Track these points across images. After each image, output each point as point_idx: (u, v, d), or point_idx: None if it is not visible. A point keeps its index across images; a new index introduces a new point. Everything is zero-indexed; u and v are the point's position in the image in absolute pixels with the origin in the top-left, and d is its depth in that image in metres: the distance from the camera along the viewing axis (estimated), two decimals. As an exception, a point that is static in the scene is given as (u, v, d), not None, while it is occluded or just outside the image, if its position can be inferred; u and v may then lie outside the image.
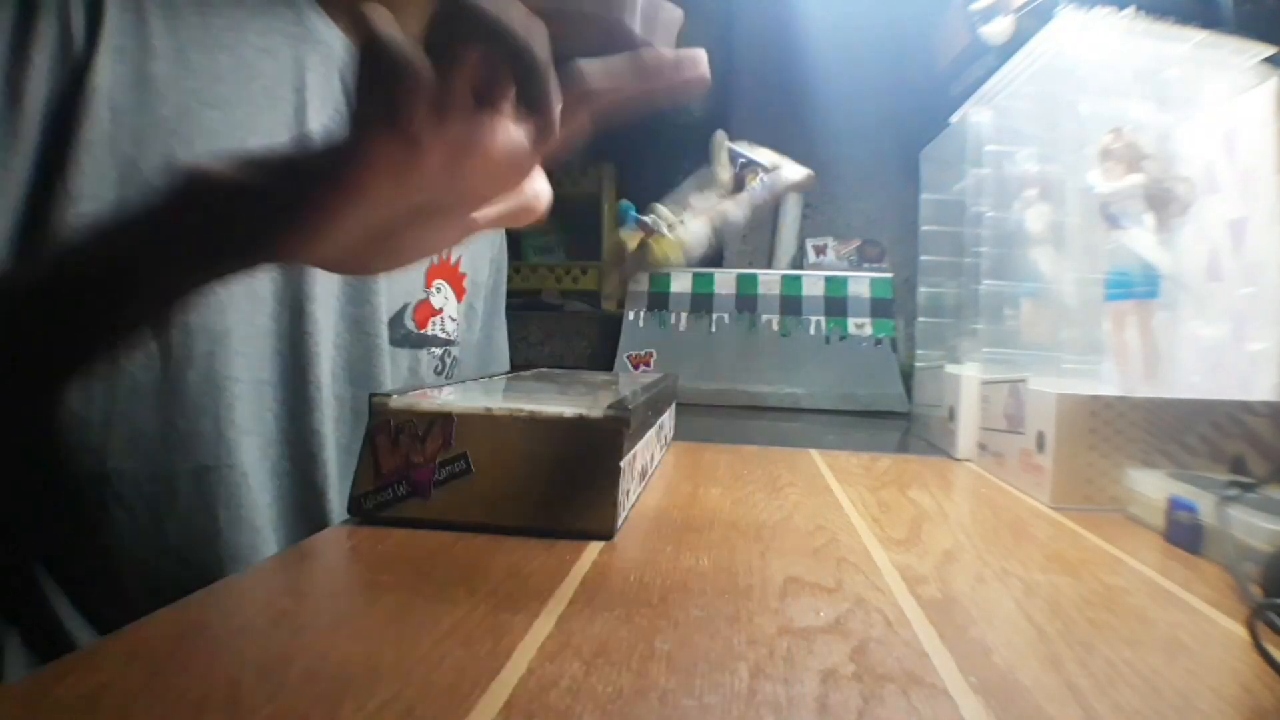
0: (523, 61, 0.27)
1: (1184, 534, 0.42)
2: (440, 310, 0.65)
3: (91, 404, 0.46)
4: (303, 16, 0.54)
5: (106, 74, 0.45)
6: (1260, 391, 0.50)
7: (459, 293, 0.67)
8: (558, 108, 0.28)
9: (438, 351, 0.66)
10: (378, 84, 0.27)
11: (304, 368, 0.52)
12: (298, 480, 0.54)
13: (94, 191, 0.45)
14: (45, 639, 0.47)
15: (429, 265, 0.63)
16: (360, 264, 0.36)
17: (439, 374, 0.67)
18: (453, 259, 0.67)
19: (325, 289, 0.53)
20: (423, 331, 0.63)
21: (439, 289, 0.65)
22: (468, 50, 0.28)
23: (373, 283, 0.56)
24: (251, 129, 0.50)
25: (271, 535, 0.52)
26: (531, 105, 0.28)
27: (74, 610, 0.48)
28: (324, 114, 0.54)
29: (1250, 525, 0.37)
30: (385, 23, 0.27)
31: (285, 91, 0.52)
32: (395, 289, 0.59)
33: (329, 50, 0.55)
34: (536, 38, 0.27)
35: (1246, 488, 0.42)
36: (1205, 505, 0.41)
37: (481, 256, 0.72)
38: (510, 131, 0.30)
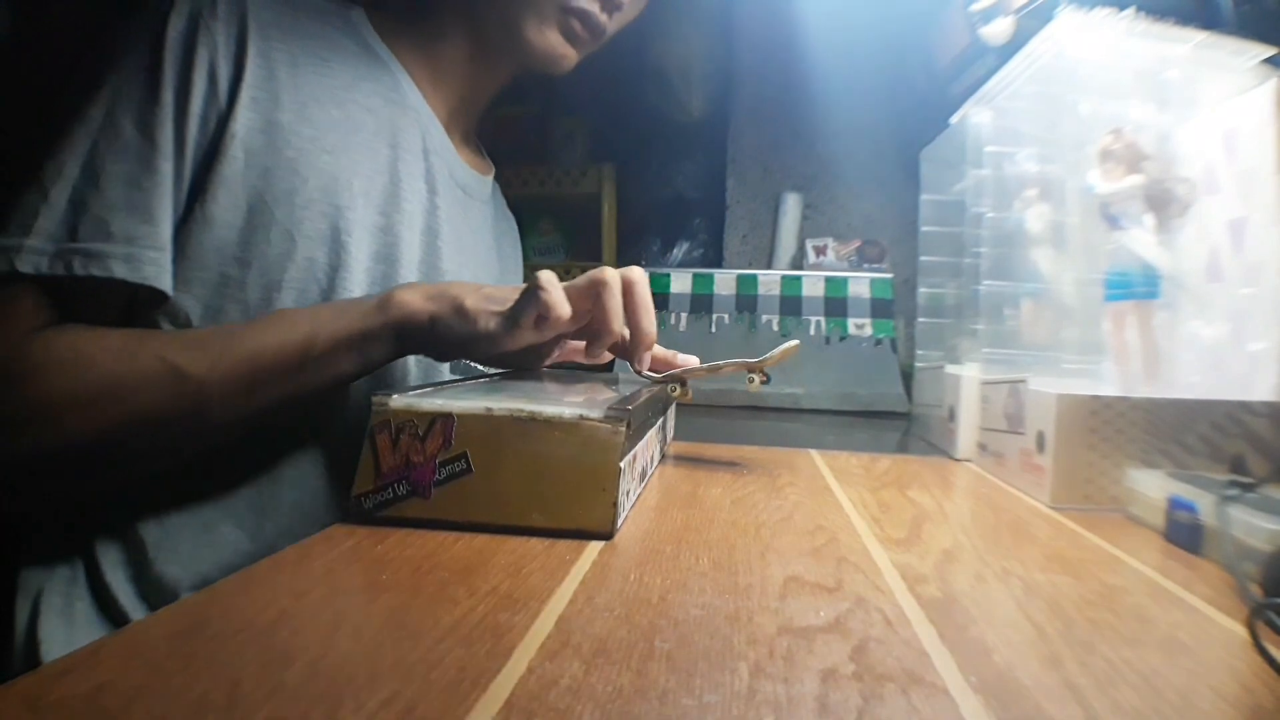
0: (638, 330, 0.55)
1: (1184, 534, 0.42)
2: None
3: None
4: (398, 83, 0.66)
5: (243, 121, 0.55)
6: (1260, 391, 0.50)
7: None
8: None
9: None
10: (535, 311, 0.50)
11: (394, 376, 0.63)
12: None
13: (227, 220, 0.54)
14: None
15: None
16: (490, 363, 0.62)
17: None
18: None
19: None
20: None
21: None
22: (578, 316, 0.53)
23: None
24: (355, 172, 0.60)
25: None
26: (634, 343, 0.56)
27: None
28: (410, 163, 0.65)
29: (1250, 525, 0.37)
30: (554, 293, 0.50)
31: (381, 145, 0.63)
32: None
33: (416, 114, 0.67)
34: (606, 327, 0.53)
35: (1246, 488, 0.42)
36: (1205, 505, 0.41)
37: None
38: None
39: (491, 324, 0.51)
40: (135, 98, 0.52)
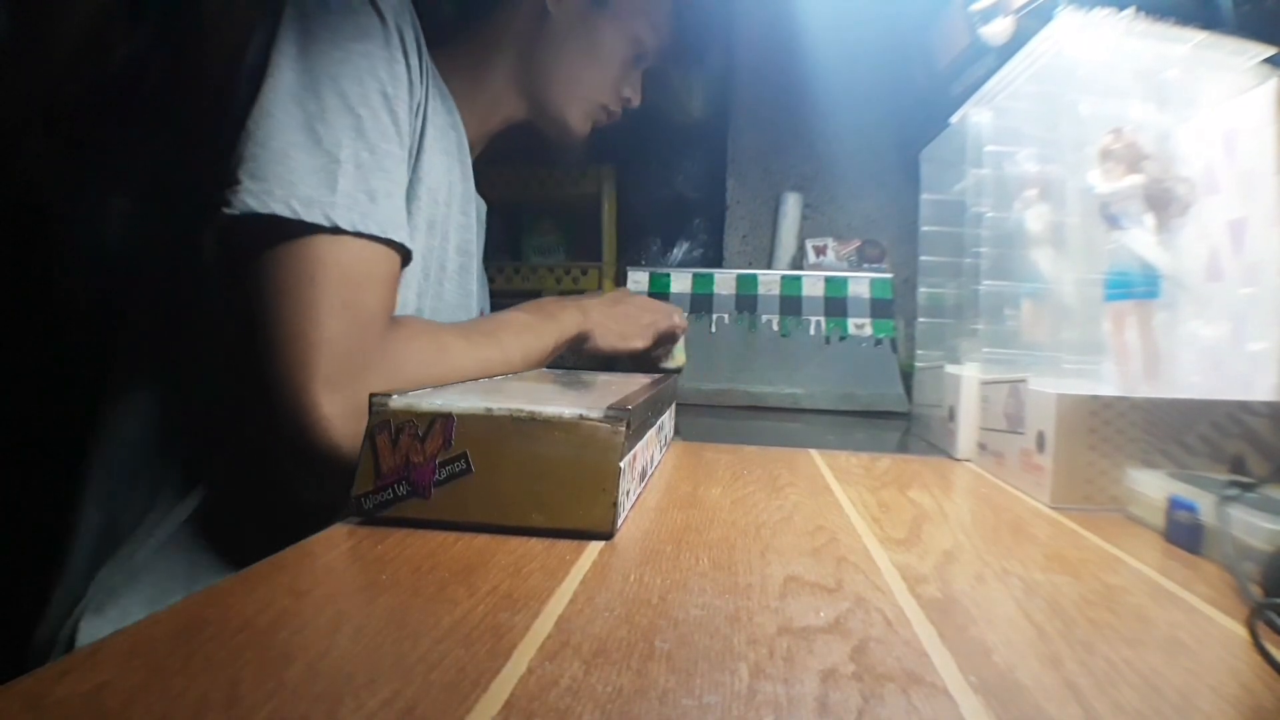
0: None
1: (1184, 534, 0.42)
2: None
3: None
4: (452, 108, 0.75)
5: (416, 122, 0.64)
6: (1260, 391, 0.50)
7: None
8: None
9: None
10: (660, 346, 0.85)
11: None
12: None
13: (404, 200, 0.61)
14: None
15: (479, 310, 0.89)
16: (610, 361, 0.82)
17: None
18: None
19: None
20: None
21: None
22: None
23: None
24: (445, 173, 0.69)
25: None
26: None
27: None
28: (464, 178, 0.75)
29: (1250, 525, 0.37)
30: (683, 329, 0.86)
31: (456, 155, 0.73)
32: (478, 298, 0.82)
33: (463, 136, 0.76)
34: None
35: (1246, 488, 0.42)
36: (1205, 505, 0.41)
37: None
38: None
39: (639, 343, 0.80)
40: (379, 72, 0.57)
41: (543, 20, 0.79)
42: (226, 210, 0.50)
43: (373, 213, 0.54)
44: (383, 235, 0.54)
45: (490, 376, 0.58)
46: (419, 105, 0.63)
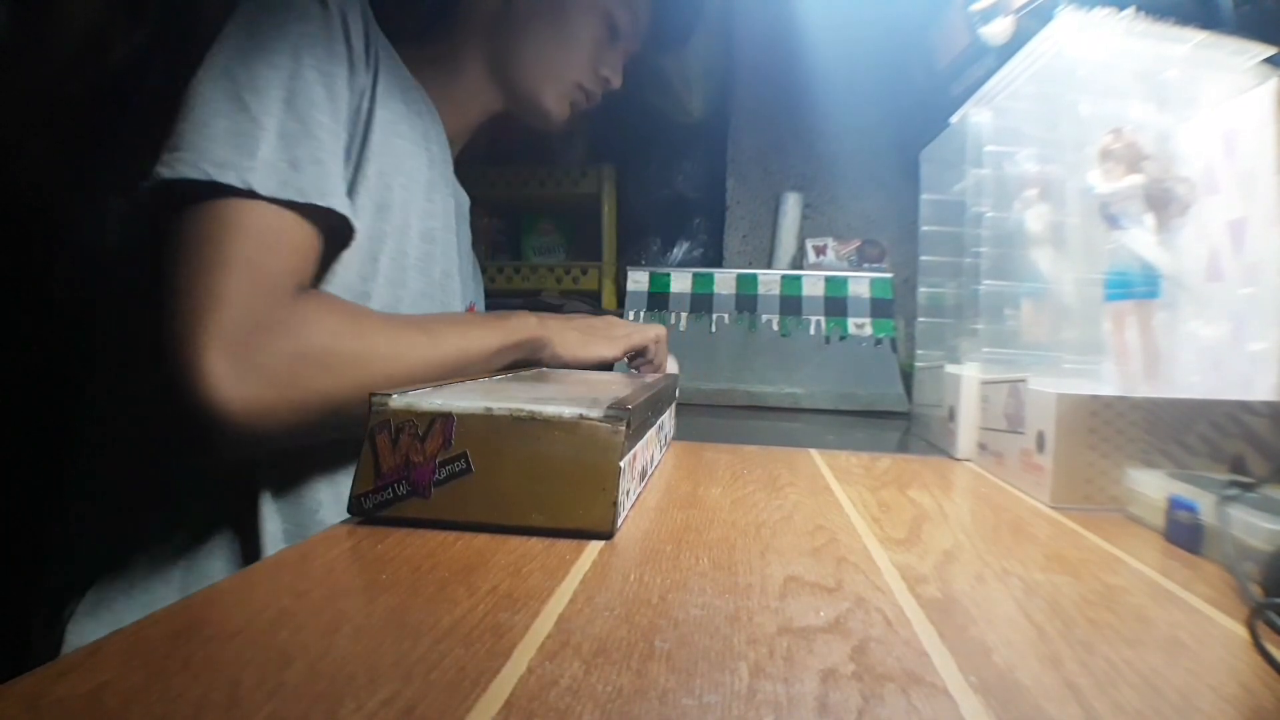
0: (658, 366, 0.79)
1: (1184, 534, 0.42)
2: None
3: None
4: (425, 98, 0.74)
5: (363, 100, 0.63)
6: (1260, 391, 0.50)
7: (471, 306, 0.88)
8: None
9: None
10: (642, 356, 0.78)
11: None
12: None
13: (348, 178, 0.61)
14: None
15: (470, 305, 0.86)
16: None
17: None
18: (475, 309, 0.90)
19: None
20: None
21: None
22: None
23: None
24: (410, 158, 0.68)
25: None
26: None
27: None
28: (439, 165, 0.74)
29: (1250, 525, 0.37)
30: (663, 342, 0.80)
31: (424, 142, 0.72)
32: (462, 292, 0.79)
33: (439, 125, 0.76)
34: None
35: (1246, 487, 0.42)
36: (1205, 505, 0.41)
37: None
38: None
39: (610, 351, 0.74)
40: (318, 51, 0.57)
41: (508, 4, 0.78)
42: (143, 184, 0.49)
43: (294, 179, 0.52)
44: (304, 201, 0.53)
45: (414, 368, 0.56)
46: (366, 89, 0.62)
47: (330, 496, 0.60)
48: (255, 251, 0.50)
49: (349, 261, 0.61)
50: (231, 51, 0.54)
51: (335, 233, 0.58)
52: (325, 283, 0.60)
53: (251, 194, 0.50)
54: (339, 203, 0.56)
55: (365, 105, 0.62)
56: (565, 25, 0.80)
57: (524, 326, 0.67)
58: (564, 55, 0.80)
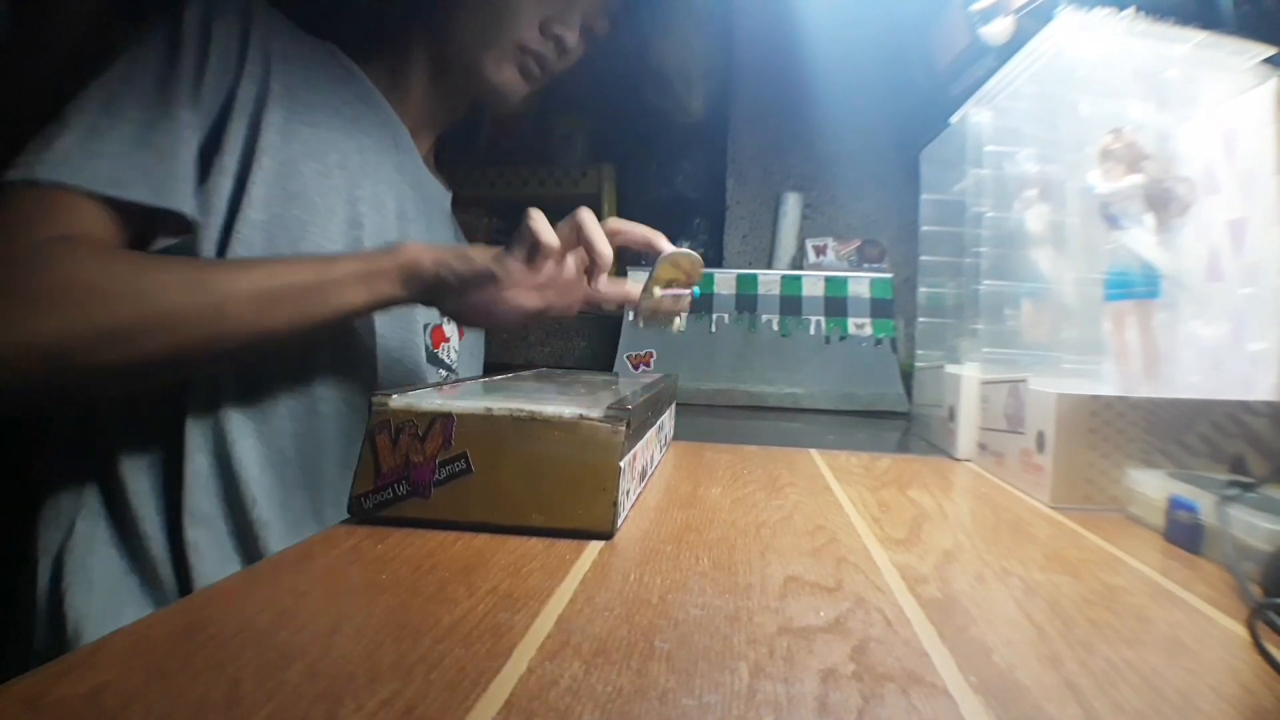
0: (596, 250, 0.58)
1: (1184, 534, 0.42)
2: (449, 338, 0.80)
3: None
4: (370, 91, 0.74)
5: (245, 90, 0.62)
6: (1260, 391, 0.50)
7: (460, 331, 0.82)
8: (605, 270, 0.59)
9: (442, 373, 0.77)
10: (529, 240, 0.58)
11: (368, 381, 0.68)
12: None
13: (231, 168, 0.61)
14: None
15: None
16: (470, 319, 0.67)
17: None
18: None
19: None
20: (435, 351, 0.77)
21: (448, 321, 0.79)
22: (574, 243, 0.59)
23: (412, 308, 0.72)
24: (332, 146, 0.67)
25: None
26: (594, 265, 0.59)
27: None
28: (379, 152, 0.72)
29: (1250, 525, 0.37)
30: (541, 222, 0.58)
31: (355, 131, 0.70)
32: (423, 310, 0.73)
33: (386, 115, 0.74)
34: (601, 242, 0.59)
35: (1246, 487, 0.42)
36: (1205, 505, 0.41)
37: None
38: (575, 277, 0.63)
39: (490, 262, 0.58)
40: (154, 61, 0.58)
41: None
42: None
43: (86, 166, 0.52)
44: (91, 188, 0.52)
45: (181, 307, 0.51)
46: (250, 88, 0.62)
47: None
48: (16, 228, 0.51)
49: (249, 242, 0.60)
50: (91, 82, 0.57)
51: (175, 221, 0.57)
52: None
53: (32, 182, 0.51)
54: (148, 193, 0.54)
55: (247, 102, 0.62)
56: None
57: (409, 248, 0.58)
58: (494, 16, 0.74)
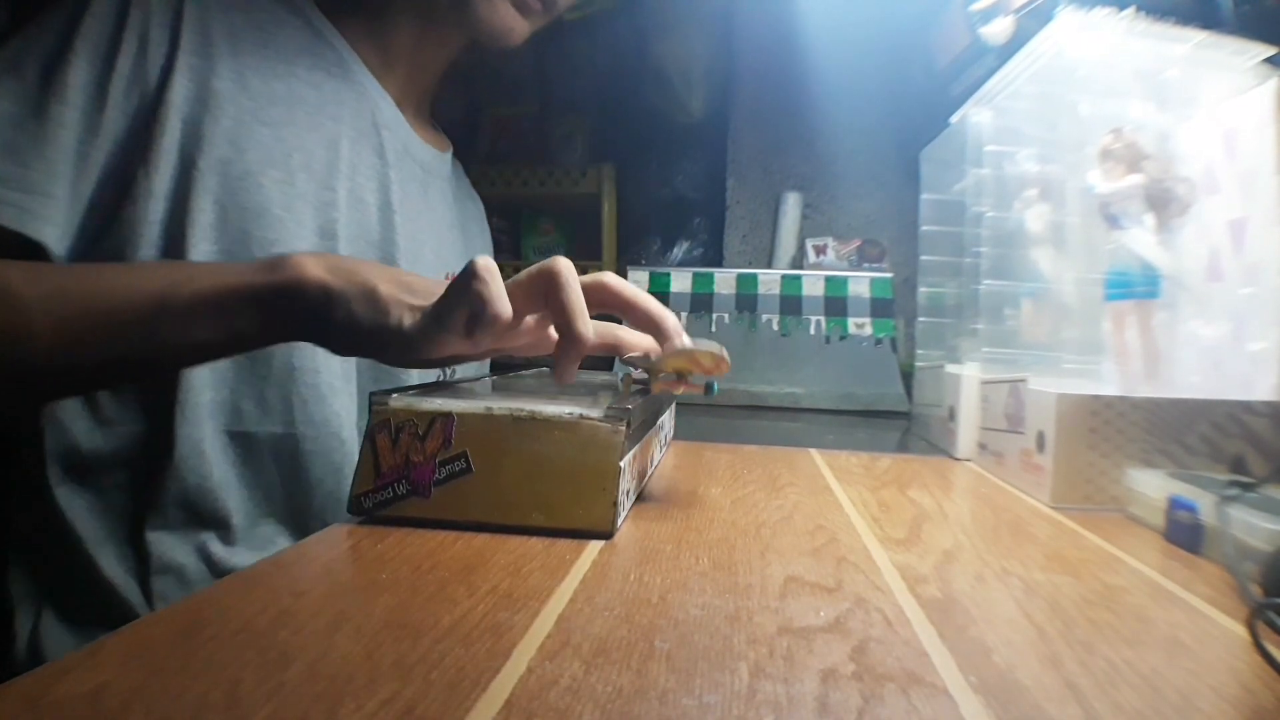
0: (570, 332, 0.41)
1: (1184, 534, 0.42)
2: None
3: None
4: (342, 59, 0.65)
5: (180, 89, 0.53)
6: (1260, 391, 0.50)
7: None
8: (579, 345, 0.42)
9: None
10: (467, 308, 0.40)
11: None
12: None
13: (164, 190, 0.53)
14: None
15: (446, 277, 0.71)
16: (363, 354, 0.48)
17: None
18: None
19: None
20: None
21: None
22: (537, 308, 0.43)
23: None
24: (296, 146, 0.59)
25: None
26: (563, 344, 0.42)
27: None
28: (358, 138, 0.64)
29: (1250, 525, 0.37)
30: (490, 283, 0.40)
31: (324, 119, 0.62)
32: None
33: (363, 89, 0.66)
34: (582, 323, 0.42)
35: (1246, 487, 0.42)
36: (1205, 505, 0.41)
37: None
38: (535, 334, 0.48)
39: (406, 319, 0.42)
40: (45, 46, 0.50)
41: None
42: None
43: None
44: None
45: (58, 322, 0.43)
46: (163, 82, 0.53)
47: None
48: None
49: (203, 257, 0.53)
50: None
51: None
52: None
53: None
54: None
55: (182, 104, 0.53)
56: None
57: (297, 266, 0.43)
58: None
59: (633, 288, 0.46)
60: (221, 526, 0.56)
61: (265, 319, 0.43)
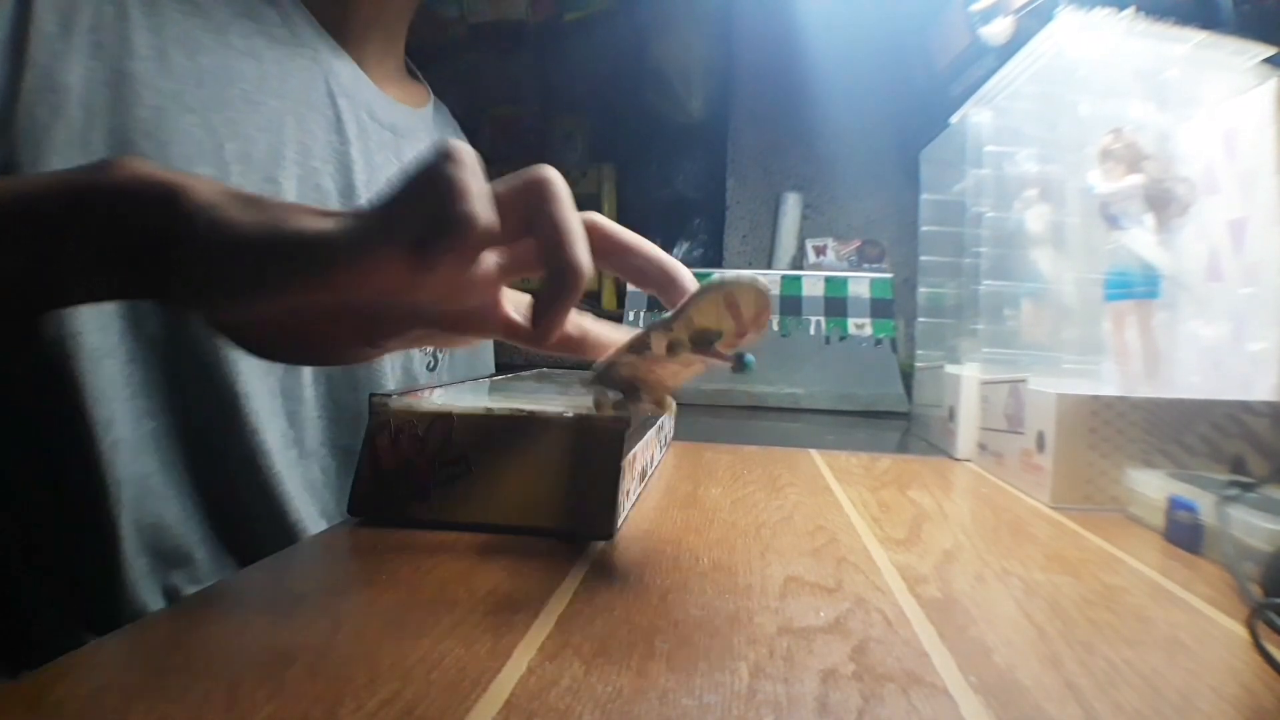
0: (565, 256, 0.29)
1: (1184, 534, 0.42)
2: None
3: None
4: (289, 18, 0.54)
5: (79, 71, 0.43)
6: (1260, 391, 0.50)
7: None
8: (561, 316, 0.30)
9: (429, 348, 0.67)
10: (430, 213, 0.27)
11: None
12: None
13: None
14: None
15: None
16: (268, 347, 0.34)
17: (430, 370, 0.68)
18: None
19: None
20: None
21: None
22: (518, 232, 0.29)
23: None
24: (231, 134, 0.48)
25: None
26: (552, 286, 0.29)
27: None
28: (309, 115, 0.53)
29: (1250, 525, 0.37)
30: (468, 170, 0.27)
31: (267, 97, 0.51)
32: None
33: (314, 52, 0.55)
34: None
35: (1246, 487, 0.42)
36: (1205, 505, 0.41)
37: None
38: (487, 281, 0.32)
39: (317, 223, 0.28)
40: None
41: None
42: None
43: None
44: None
45: None
46: (57, 37, 0.41)
47: None
48: None
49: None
50: None
51: None
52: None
53: None
54: None
55: (93, 91, 0.43)
56: None
57: (137, 162, 0.30)
58: None
59: (630, 232, 0.34)
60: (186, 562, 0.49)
61: (88, 242, 0.30)
